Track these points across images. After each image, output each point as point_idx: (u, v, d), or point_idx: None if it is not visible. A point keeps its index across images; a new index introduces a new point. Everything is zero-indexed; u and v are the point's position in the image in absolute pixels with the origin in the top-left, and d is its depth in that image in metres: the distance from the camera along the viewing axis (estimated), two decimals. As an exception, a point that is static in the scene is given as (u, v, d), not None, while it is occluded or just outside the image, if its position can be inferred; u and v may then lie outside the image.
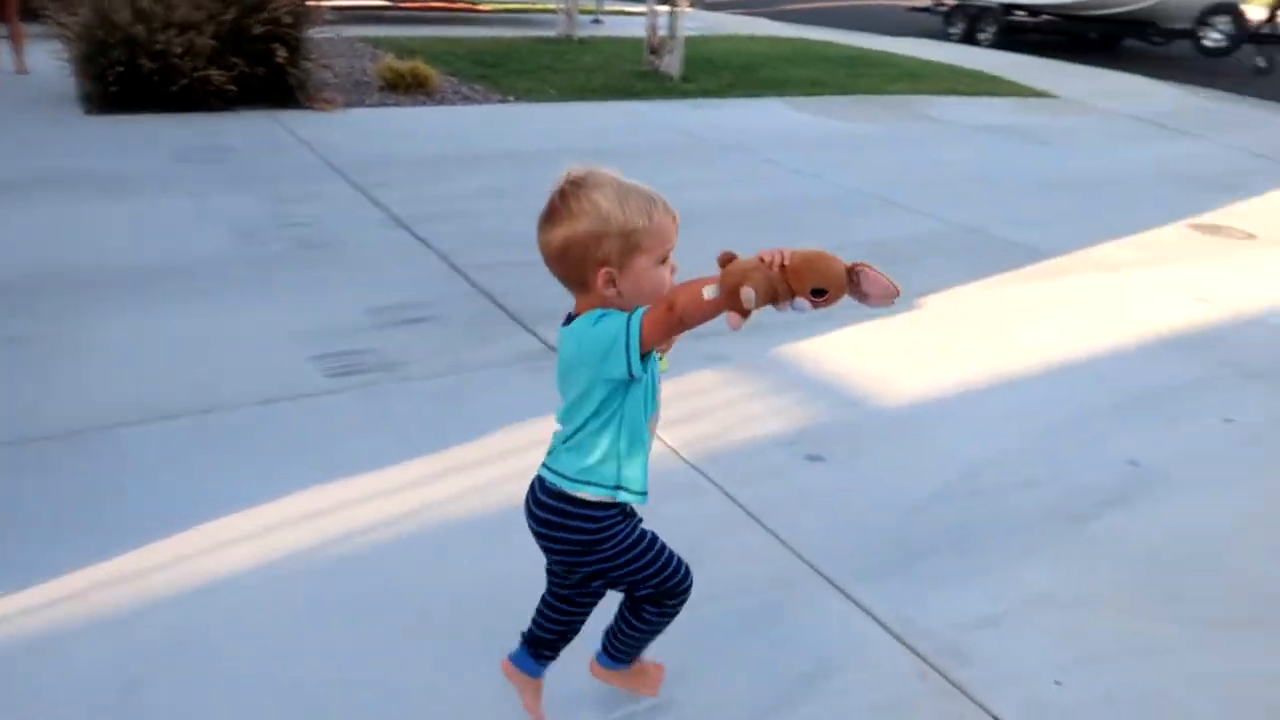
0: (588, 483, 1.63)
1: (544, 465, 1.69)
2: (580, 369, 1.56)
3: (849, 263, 1.43)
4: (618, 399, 1.58)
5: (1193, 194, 6.86)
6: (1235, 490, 3.02)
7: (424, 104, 8.29)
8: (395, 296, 4.12)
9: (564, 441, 1.65)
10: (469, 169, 6.31)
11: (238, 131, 6.97)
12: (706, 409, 3.31)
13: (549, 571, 1.81)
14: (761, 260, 1.41)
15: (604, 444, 1.61)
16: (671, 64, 10.07)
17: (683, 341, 3.92)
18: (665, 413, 3.25)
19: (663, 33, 10.24)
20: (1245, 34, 13.14)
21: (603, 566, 1.71)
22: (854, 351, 3.85)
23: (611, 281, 1.53)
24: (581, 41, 12.32)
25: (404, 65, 8.62)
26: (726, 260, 1.46)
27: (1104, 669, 2.21)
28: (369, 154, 6.52)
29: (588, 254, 1.51)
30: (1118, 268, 5.10)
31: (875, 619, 2.33)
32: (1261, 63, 12.86)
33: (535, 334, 3.82)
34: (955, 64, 12.18)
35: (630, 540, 1.71)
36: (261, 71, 7.48)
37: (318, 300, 4.08)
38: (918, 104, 9.80)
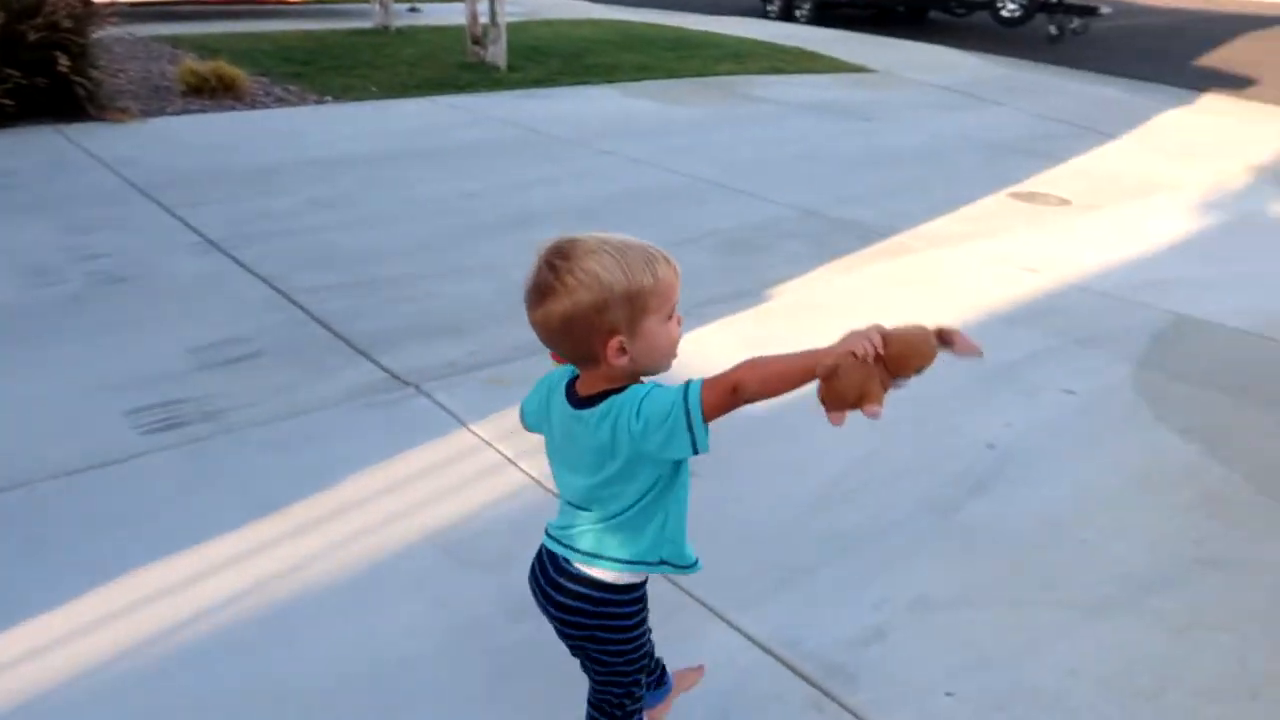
0: (642, 563, 1.56)
1: (573, 549, 1.58)
2: (632, 454, 1.44)
3: (934, 327, 1.38)
4: (669, 473, 1.51)
5: (1006, 162, 7.19)
6: (1083, 465, 3.12)
7: (233, 109, 7.72)
8: (217, 332, 3.76)
9: (604, 521, 1.53)
10: (291, 180, 5.88)
11: (18, 151, 6.26)
12: (568, 430, 3.16)
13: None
14: (854, 355, 1.34)
15: (658, 521, 1.54)
16: (497, 54, 9.78)
17: (529, 357, 3.74)
18: (517, 441, 3.11)
19: (484, 20, 9.92)
20: (1038, 4, 13.95)
21: (621, 647, 1.65)
22: (704, 352, 3.77)
23: (622, 350, 1.43)
24: (399, 32, 11.82)
25: (206, 67, 7.99)
26: None
27: (992, 672, 2.21)
28: (175, 169, 5.99)
29: (594, 327, 1.40)
30: (951, 242, 5.26)
31: (762, 647, 2.25)
32: (1053, 30, 13.68)
33: (378, 363, 3.56)
34: (775, 42, 12.39)
35: (644, 616, 1.67)
36: (43, 83, 6.74)
37: (126, 344, 3.67)
38: (744, 84, 9.89)
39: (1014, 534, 2.73)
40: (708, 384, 1.38)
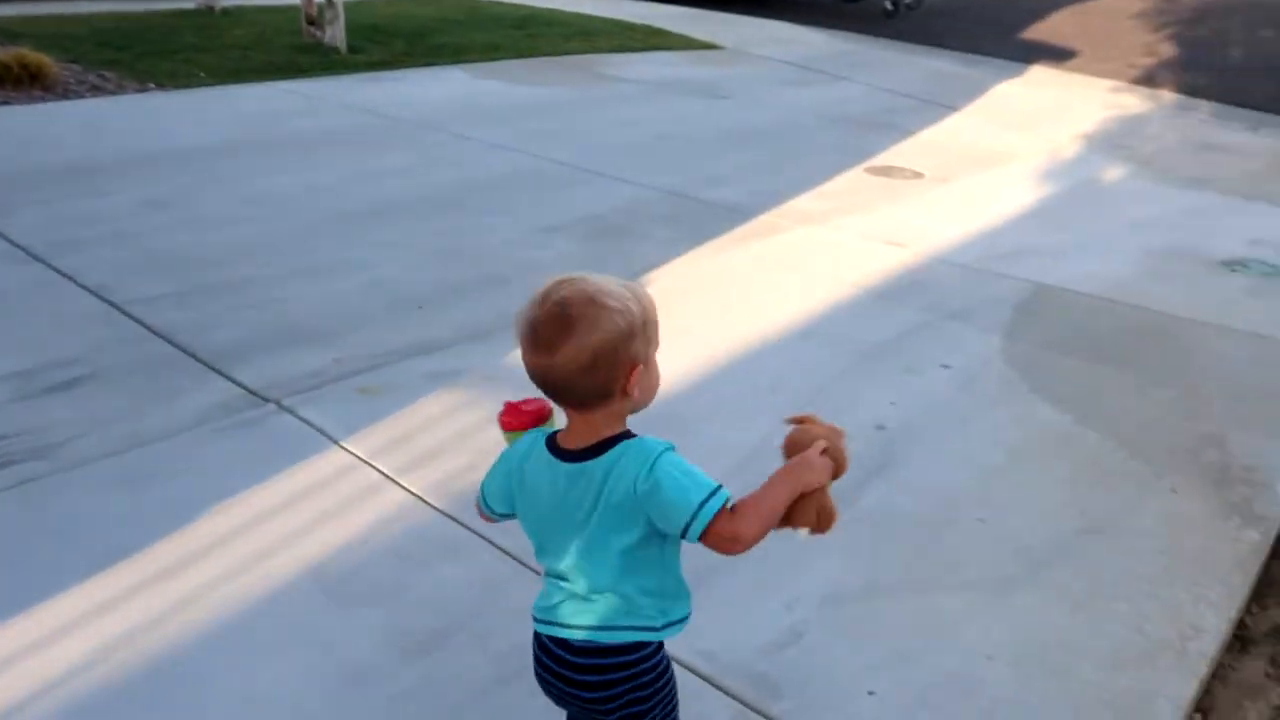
0: (675, 623, 1.51)
1: (593, 628, 1.45)
2: (633, 505, 1.39)
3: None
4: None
5: (859, 137, 7.32)
6: (968, 441, 3.16)
7: (43, 100, 6.99)
8: (39, 355, 3.36)
9: (619, 588, 1.44)
10: (116, 178, 5.36)
11: None
12: (448, 441, 2.96)
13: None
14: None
15: (675, 575, 1.51)
16: (335, 35, 9.25)
17: (401, 361, 3.51)
18: (399, 454, 2.91)
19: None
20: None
21: (653, 705, 1.52)
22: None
23: (637, 383, 1.41)
24: (226, 13, 11.04)
25: (9, 54, 7.21)
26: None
27: (909, 665, 2.18)
28: (-24, 169, 5.37)
29: (620, 359, 1.38)
30: (817, 220, 5.28)
31: (678, 662, 2.15)
32: (889, 6, 14.09)
33: (232, 379, 3.26)
34: (622, 19, 12.25)
35: (667, 664, 1.55)
36: None
37: (-68, 374, 3.24)
38: (596, 63, 9.73)
39: (913, 517, 2.72)
40: (723, 518, 1.38)
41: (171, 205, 4.93)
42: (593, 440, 1.42)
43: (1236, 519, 2.77)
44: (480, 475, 1.61)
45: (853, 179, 6.22)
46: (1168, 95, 9.57)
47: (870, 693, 2.09)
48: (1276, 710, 2.21)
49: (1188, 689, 2.14)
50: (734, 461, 2.92)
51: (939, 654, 2.22)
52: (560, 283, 1.39)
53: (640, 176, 5.89)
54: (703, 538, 1.37)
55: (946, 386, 3.50)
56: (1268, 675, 2.32)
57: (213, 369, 3.32)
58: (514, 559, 2.44)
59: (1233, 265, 4.93)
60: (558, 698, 1.54)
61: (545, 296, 1.38)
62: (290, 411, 3.08)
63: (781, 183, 5.95)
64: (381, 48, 9.51)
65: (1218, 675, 2.26)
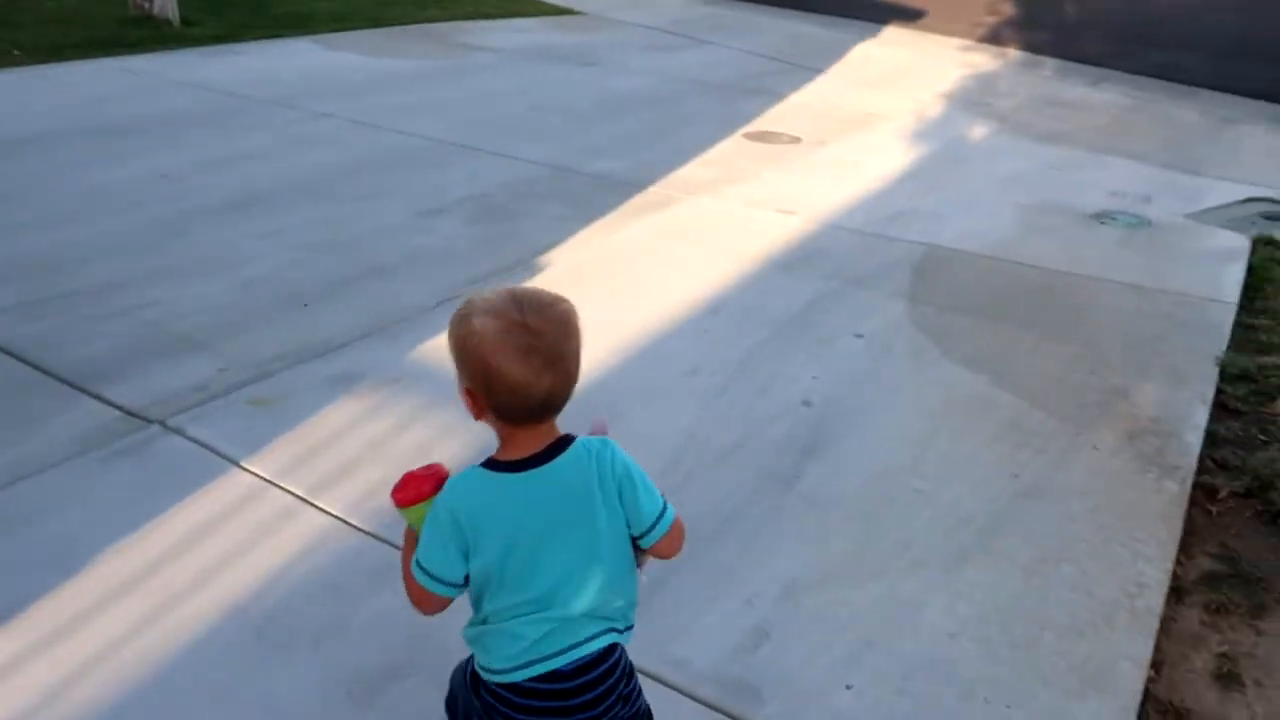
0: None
1: (619, 630, 1.44)
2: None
3: None
4: None
5: (732, 102, 7.29)
6: (893, 412, 3.16)
7: None
8: None
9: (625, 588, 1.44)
10: (-75, 173, 4.76)
11: None
12: (360, 452, 2.74)
13: None
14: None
15: None
16: (166, 5, 8.53)
17: (294, 367, 3.22)
18: (309, 471, 2.67)
19: (144, -33, 8.61)
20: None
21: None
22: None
23: None
24: (34, -18, 10.02)
25: None
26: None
27: (880, 652, 2.15)
28: None
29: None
30: (704, 189, 5.21)
31: (649, 676, 2.04)
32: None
33: (104, 399, 2.92)
34: (476, -16, 11.83)
35: None
36: None
37: None
38: (453, 31, 9.35)
39: (855, 496, 2.69)
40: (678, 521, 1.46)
41: (3, 202, 4.41)
42: (547, 443, 1.37)
43: (1154, 470, 2.86)
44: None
45: (733, 146, 6.18)
46: (1013, 53, 9.97)
47: (848, 686, 2.04)
48: (1220, 658, 2.29)
49: (1145, 648, 2.19)
50: (662, 458, 2.82)
51: (906, 638, 2.19)
52: (513, 294, 1.32)
53: (518, 151, 5.68)
54: (662, 537, 1.41)
55: (863, 356, 3.50)
56: (1203, 624, 2.41)
57: (80, 389, 2.97)
58: (457, 579, 2.27)
59: (1101, 218, 5.15)
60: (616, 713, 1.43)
61: (530, 308, 1.29)
62: (177, 432, 2.78)
63: (663, 152, 5.85)
64: (218, 19, 8.84)
65: (1161, 628, 2.32)
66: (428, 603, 1.39)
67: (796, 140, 6.39)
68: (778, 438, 2.94)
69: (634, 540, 1.42)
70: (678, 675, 2.04)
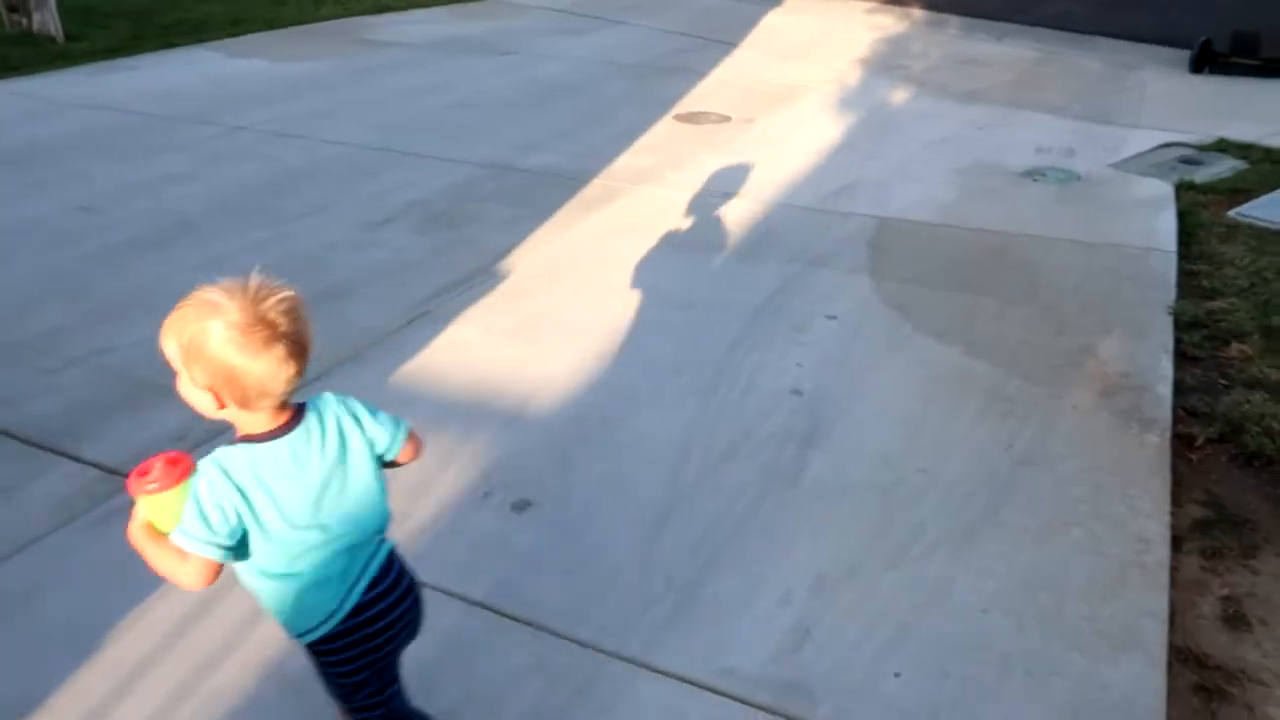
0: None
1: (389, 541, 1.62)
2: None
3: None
4: None
5: (655, 84, 7.26)
6: (881, 393, 3.21)
7: None
8: None
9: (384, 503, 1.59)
10: None
11: None
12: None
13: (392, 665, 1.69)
14: None
15: None
16: (46, 20, 8.08)
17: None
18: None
19: (18, -19, 8.13)
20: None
21: None
22: (467, 359, 3.41)
23: None
24: (-106, 3, 9.36)
25: None
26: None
27: (916, 637, 2.20)
28: None
29: None
30: (647, 178, 5.19)
31: (700, 685, 2.06)
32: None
33: (78, 458, 2.78)
34: (371, -25, 11.49)
35: None
36: None
37: None
38: (356, 28, 9.10)
39: (861, 483, 2.74)
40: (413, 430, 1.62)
41: (-85, 253, 4.14)
42: (289, 414, 1.46)
43: (1135, 425, 2.98)
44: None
45: (665, 129, 6.17)
46: (917, 13, 10.15)
47: (896, 675, 2.09)
48: (1223, 600, 2.41)
49: (1161, 602, 2.29)
50: (672, 457, 2.83)
51: (939, 621, 2.24)
52: (251, 284, 1.37)
53: (451, 151, 5.56)
54: (404, 446, 1.57)
55: (839, 338, 3.54)
56: (1203, 569, 2.53)
57: (50, 450, 2.82)
58: (467, 600, 2.24)
59: (1033, 175, 5.31)
60: (402, 628, 1.63)
61: (262, 301, 1.35)
62: (164, 486, 2.66)
63: (598, 141, 5.80)
64: (105, 31, 8.43)
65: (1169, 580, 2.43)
66: (205, 572, 1.42)
67: (726, 119, 6.41)
68: (775, 431, 2.96)
69: (382, 460, 1.57)
70: (731, 684, 2.06)
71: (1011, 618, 2.25)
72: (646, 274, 4.03)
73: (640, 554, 2.45)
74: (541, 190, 5.00)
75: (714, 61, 7.96)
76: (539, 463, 2.80)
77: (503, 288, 3.90)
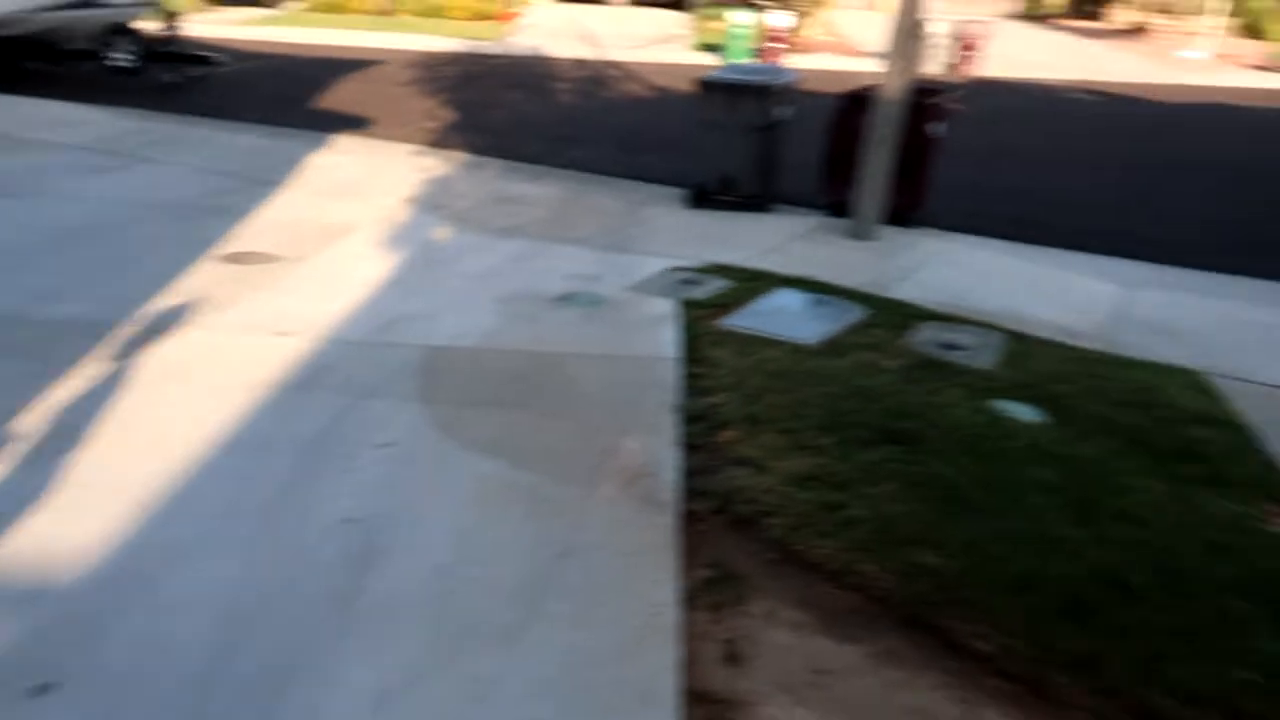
0: None
1: None
2: None
3: None
4: None
5: (195, 224, 7.04)
6: (436, 513, 3.40)
7: None
8: None
9: None
10: None
11: None
12: None
13: None
14: None
15: None
16: None
17: None
18: None
19: None
20: (152, 54, 13.66)
21: None
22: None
23: None
24: None
25: None
26: None
27: (472, 731, 2.37)
28: None
29: None
30: (191, 322, 5.02)
31: None
32: (168, 79, 13.55)
33: None
34: None
35: None
36: None
37: None
38: None
39: (417, 596, 2.89)
40: None
41: None
42: None
43: (652, 508, 3.48)
44: None
45: (209, 271, 6.00)
46: (460, 155, 10.90)
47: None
48: (724, 643, 2.90)
49: (674, 656, 2.70)
50: (219, 615, 2.77)
51: (494, 714, 2.44)
52: None
53: (-53, 304, 4.94)
54: None
55: (390, 464, 3.70)
56: (709, 621, 3.01)
57: None
58: None
59: (565, 300, 5.96)
60: None
61: None
62: None
63: (131, 285, 5.50)
64: None
65: (681, 635, 2.87)
66: None
67: (275, 258, 6.39)
68: (331, 560, 3.03)
69: None
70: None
71: (556, 698, 2.52)
72: (189, 421, 3.90)
73: (193, 712, 2.37)
74: (63, 342, 4.62)
75: (258, 201, 7.90)
76: (62, 638, 2.59)
77: (28, 455, 3.54)
